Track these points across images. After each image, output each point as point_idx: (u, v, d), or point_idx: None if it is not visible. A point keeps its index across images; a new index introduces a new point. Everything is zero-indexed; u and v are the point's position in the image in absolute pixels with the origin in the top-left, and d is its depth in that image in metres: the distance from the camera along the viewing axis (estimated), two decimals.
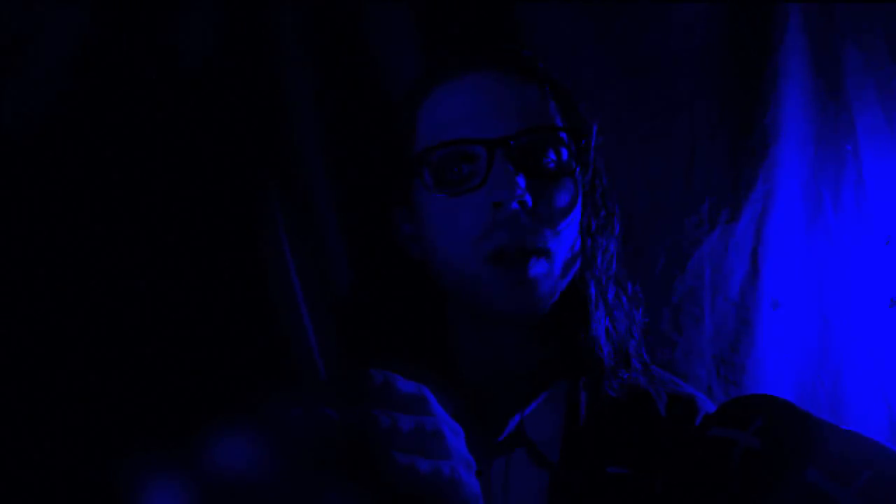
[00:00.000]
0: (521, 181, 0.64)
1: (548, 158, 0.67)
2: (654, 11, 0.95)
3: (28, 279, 0.70)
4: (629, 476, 0.65)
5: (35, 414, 0.68)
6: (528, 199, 0.65)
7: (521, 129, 0.66)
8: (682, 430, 0.68)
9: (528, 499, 0.66)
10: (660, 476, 0.58)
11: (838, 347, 0.95)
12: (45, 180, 0.72)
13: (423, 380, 0.52)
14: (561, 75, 0.72)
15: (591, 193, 0.72)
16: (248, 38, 0.81)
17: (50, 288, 0.71)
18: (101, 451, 0.67)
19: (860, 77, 0.97)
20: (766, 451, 0.50)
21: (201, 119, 0.77)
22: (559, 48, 0.93)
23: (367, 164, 0.81)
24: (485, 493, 0.55)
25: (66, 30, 0.74)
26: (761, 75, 0.95)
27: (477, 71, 0.69)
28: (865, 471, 0.47)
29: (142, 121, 0.75)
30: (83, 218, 0.73)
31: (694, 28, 0.96)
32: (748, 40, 0.96)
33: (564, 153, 0.68)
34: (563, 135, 0.69)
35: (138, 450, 0.64)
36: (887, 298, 0.94)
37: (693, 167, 0.95)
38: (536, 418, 0.69)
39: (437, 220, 0.68)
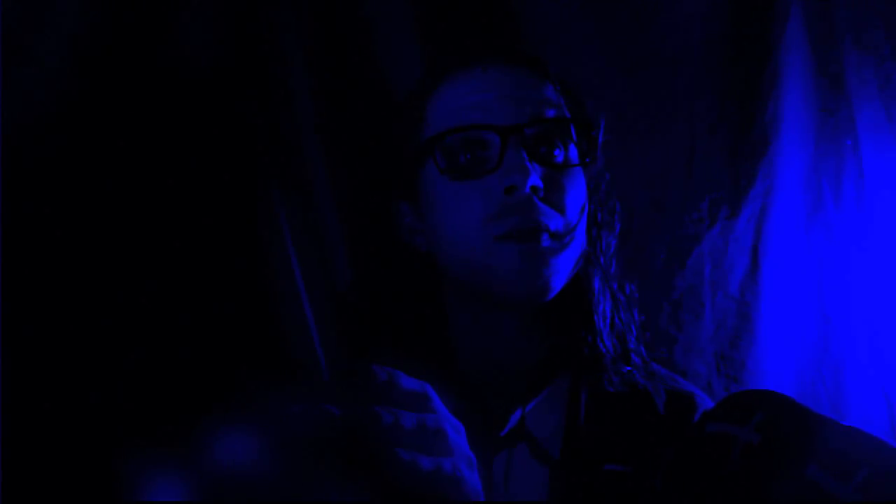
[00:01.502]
0: (535, 167, 0.65)
1: (558, 150, 0.68)
2: (654, 8, 0.95)
3: (29, 274, 0.70)
4: (628, 473, 0.65)
5: (36, 411, 0.68)
6: (541, 185, 0.65)
7: (533, 117, 0.66)
8: (680, 427, 0.69)
9: (529, 494, 0.66)
10: (660, 472, 0.58)
11: (838, 343, 0.95)
12: (49, 174, 0.72)
13: (425, 376, 0.52)
14: (561, 72, 0.73)
15: (597, 188, 0.73)
16: (250, 31, 0.81)
17: (50, 282, 0.71)
18: (101, 448, 0.67)
19: (860, 72, 0.97)
20: (765, 446, 0.50)
21: (204, 114, 0.77)
22: (559, 45, 0.93)
23: (370, 157, 0.81)
24: (486, 488, 0.56)
25: (71, 26, 0.74)
26: (761, 71, 0.95)
27: (490, 63, 0.69)
28: (865, 467, 0.47)
29: (143, 116, 0.75)
30: (86, 214, 0.73)
31: (694, 24, 0.96)
32: (748, 36, 0.96)
33: (573, 147, 0.69)
34: (573, 129, 0.69)
35: (139, 446, 0.64)
36: (888, 294, 0.94)
37: (693, 163, 0.95)
38: (538, 414, 0.69)
39: (447, 204, 0.68)
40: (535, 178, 0.64)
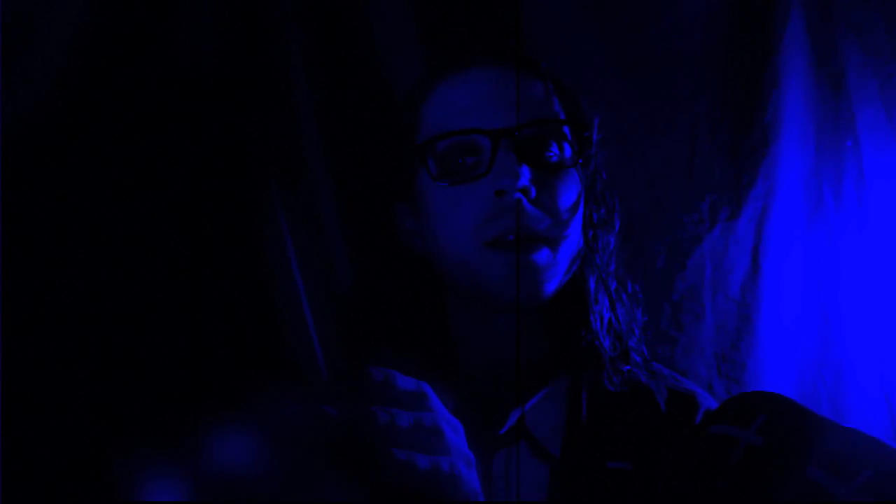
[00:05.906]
0: (524, 171, 0.64)
1: (550, 151, 0.68)
2: (655, 8, 0.95)
3: (28, 273, 0.70)
4: (630, 471, 0.65)
5: (35, 412, 0.68)
6: (532, 189, 0.65)
7: (524, 120, 0.66)
8: (682, 425, 0.68)
9: (529, 492, 0.66)
10: (661, 473, 0.58)
11: (839, 345, 0.95)
12: (48, 173, 0.72)
13: (424, 375, 0.52)
14: (562, 71, 0.72)
15: (592, 188, 0.73)
16: (251, 33, 0.81)
17: (49, 281, 0.71)
18: (101, 448, 0.67)
19: (861, 73, 0.96)
20: (767, 448, 0.50)
21: (203, 114, 0.77)
22: (560, 44, 0.92)
23: (370, 159, 0.81)
24: (486, 487, 0.55)
25: (70, 25, 0.74)
26: (762, 72, 0.95)
27: (482, 65, 0.70)
28: (866, 469, 0.47)
29: (143, 117, 0.75)
30: (86, 212, 0.73)
31: (695, 25, 0.96)
32: (749, 37, 0.96)
33: (567, 147, 0.69)
34: (566, 129, 0.69)
35: (138, 446, 0.64)
36: (889, 295, 0.94)
37: (693, 164, 0.95)
38: (538, 413, 0.69)
39: (440, 209, 0.68)
40: (524, 181, 0.64)
